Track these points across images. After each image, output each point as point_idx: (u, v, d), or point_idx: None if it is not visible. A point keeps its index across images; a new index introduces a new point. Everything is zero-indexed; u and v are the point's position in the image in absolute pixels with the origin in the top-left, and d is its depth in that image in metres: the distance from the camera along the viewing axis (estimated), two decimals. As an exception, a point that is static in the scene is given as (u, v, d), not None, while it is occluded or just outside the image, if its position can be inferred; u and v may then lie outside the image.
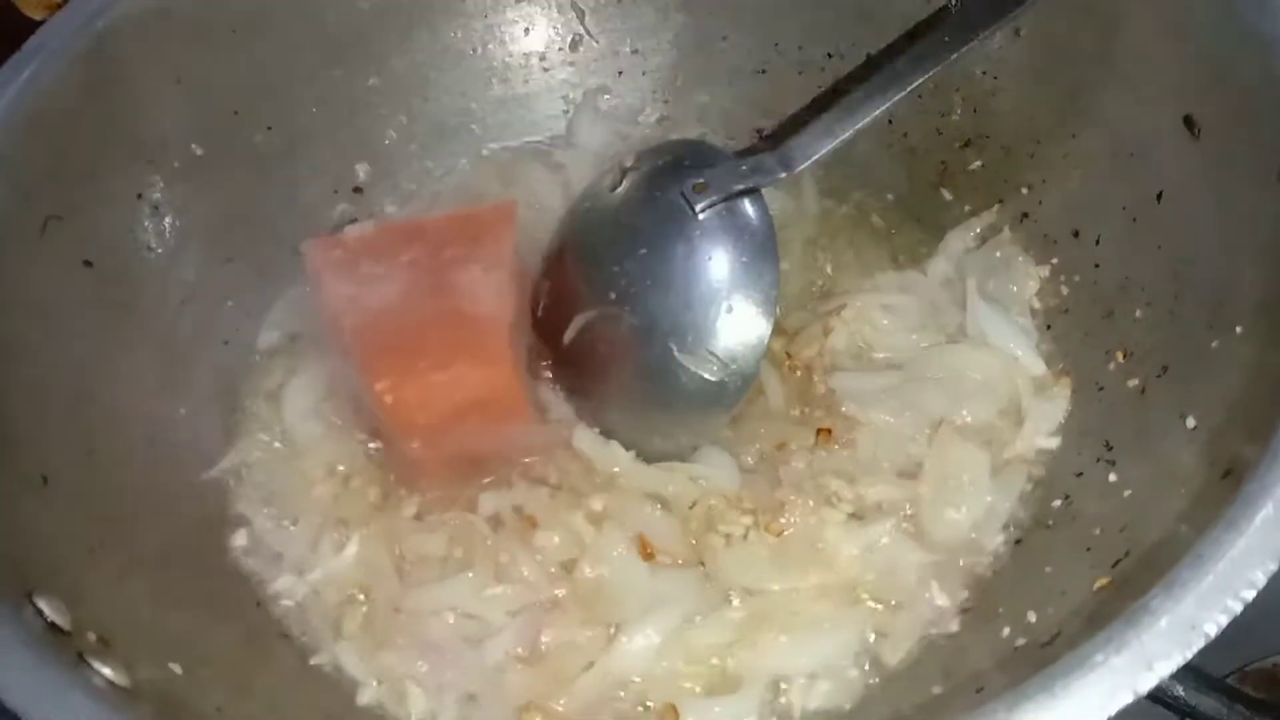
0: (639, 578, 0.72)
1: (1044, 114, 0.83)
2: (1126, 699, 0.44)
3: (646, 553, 0.74)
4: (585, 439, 0.79)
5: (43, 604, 0.57)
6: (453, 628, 0.72)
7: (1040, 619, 0.63)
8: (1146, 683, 0.44)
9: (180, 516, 0.76)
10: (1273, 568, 0.47)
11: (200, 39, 0.83)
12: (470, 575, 0.73)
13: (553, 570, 0.74)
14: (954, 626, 0.70)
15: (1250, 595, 0.46)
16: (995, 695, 0.47)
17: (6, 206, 0.72)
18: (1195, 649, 0.45)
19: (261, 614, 0.75)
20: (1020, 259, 0.84)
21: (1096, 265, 0.79)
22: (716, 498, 0.76)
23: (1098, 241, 0.79)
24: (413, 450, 0.77)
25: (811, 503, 0.75)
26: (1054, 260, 0.82)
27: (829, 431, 0.79)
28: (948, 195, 0.91)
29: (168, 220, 0.83)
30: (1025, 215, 0.85)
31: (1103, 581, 0.60)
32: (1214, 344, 0.65)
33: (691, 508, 0.76)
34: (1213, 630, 0.45)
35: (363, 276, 0.79)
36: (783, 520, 0.74)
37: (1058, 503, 0.73)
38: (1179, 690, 0.67)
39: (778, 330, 0.81)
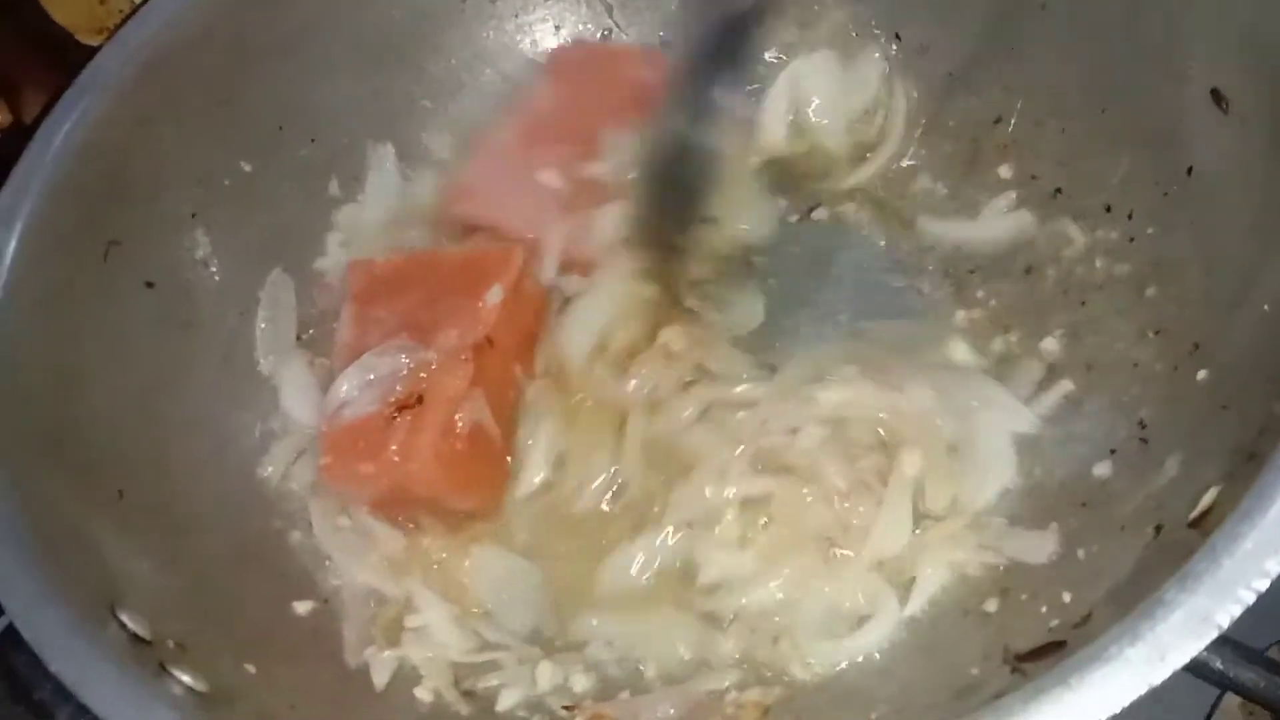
0: None
1: (1072, 89, 0.82)
2: (1140, 690, 0.46)
3: None
4: None
5: (125, 617, 0.62)
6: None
7: (1074, 600, 0.64)
8: (1160, 674, 0.46)
9: (249, 519, 0.80)
10: (1287, 557, 0.47)
11: (243, 60, 0.86)
12: None
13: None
14: (991, 607, 0.72)
15: (1264, 585, 0.46)
16: (1019, 687, 0.49)
17: (72, 235, 0.77)
18: (1207, 640, 0.46)
19: (325, 609, 0.78)
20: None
21: (1131, 240, 0.79)
22: None
23: (1130, 216, 0.79)
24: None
25: None
26: (1088, 235, 0.82)
27: None
28: (981, 169, 0.91)
29: (221, 236, 0.86)
30: (1059, 190, 0.85)
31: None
32: (1241, 322, 0.65)
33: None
34: (1225, 621, 0.46)
35: (368, 319, 0.83)
36: None
37: (1094, 479, 0.73)
38: (1218, 663, 0.67)
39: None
